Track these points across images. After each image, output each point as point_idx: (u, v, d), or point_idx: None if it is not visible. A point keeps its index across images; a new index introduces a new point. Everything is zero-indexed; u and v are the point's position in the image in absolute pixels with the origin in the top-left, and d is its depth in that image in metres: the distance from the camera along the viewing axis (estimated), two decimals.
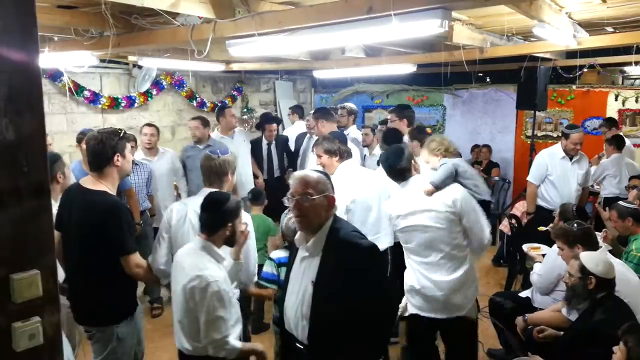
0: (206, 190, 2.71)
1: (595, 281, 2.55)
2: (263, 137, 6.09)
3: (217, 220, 2.31)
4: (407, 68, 5.97)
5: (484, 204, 3.11)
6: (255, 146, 5.98)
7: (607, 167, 5.67)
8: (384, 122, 5.66)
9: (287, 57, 5.88)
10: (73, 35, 3.95)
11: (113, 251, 2.49)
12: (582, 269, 2.59)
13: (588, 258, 2.64)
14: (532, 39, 4.91)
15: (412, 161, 2.95)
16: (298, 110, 6.91)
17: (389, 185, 3.22)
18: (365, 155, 5.34)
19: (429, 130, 4.58)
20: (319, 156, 3.50)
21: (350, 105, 5.97)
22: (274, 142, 6.08)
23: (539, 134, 7.33)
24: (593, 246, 3.03)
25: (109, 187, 2.55)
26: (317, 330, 2.05)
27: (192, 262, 2.27)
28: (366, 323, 2.00)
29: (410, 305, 3.00)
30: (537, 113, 6.10)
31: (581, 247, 2.99)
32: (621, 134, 6.25)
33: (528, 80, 5.72)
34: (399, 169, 2.89)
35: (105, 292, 2.52)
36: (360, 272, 2.00)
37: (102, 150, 2.52)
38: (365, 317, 1.99)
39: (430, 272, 2.87)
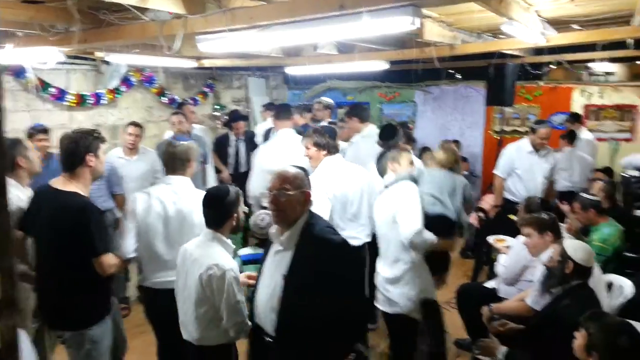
0: (170, 178, 2.76)
1: (573, 266, 2.63)
2: (231, 133, 6.10)
3: (222, 214, 2.39)
4: (379, 65, 6.01)
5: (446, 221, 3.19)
6: (224, 141, 6.03)
7: (559, 161, 5.84)
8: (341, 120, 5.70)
9: (259, 54, 5.85)
10: (38, 30, 3.85)
11: (85, 253, 2.44)
12: (563, 253, 2.68)
13: (570, 244, 2.73)
14: (501, 36, 5.01)
15: (395, 163, 3.09)
16: (271, 107, 6.89)
17: (376, 181, 3.28)
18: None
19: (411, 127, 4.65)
20: (307, 148, 3.54)
21: (326, 99, 5.99)
22: (242, 137, 6.11)
23: (507, 130, 7.50)
24: (559, 234, 3.12)
25: (80, 187, 2.50)
26: (285, 323, 2.09)
27: (205, 253, 2.32)
28: (336, 318, 2.02)
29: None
30: (505, 109, 6.24)
31: (550, 235, 3.09)
32: (581, 129, 6.43)
33: (497, 77, 5.83)
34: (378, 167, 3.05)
35: (77, 294, 2.49)
36: (330, 267, 2.03)
37: (75, 149, 2.49)
38: (335, 312, 2.01)
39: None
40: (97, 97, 6.35)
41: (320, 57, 6.06)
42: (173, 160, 2.79)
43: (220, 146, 6.09)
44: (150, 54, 5.13)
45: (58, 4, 3.39)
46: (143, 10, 3.22)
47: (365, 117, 4.60)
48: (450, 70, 7.64)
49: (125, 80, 6.65)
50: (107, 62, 6.11)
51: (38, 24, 3.75)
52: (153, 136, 6.88)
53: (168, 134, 5.36)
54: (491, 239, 4.15)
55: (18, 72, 5.50)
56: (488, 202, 5.61)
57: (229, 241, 2.42)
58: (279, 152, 4.36)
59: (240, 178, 5.70)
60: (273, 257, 2.22)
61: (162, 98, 7.26)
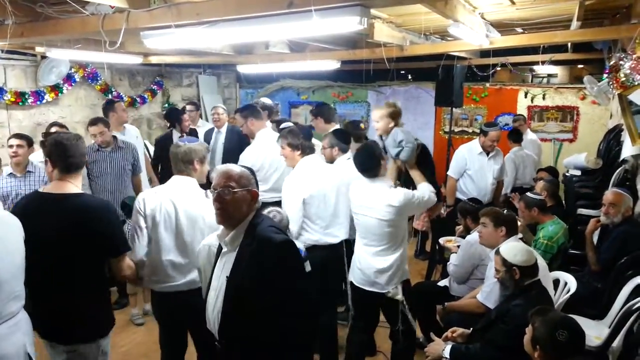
0: (177, 178, 2.76)
1: (519, 271, 2.67)
2: (175, 131, 5.80)
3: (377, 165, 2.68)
4: (331, 64, 6.03)
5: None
6: (166, 142, 5.51)
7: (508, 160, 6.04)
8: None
9: (209, 51, 5.74)
10: None
11: (103, 253, 2.39)
12: (504, 261, 2.71)
13: (506, 250, 2.76)
14: (448, 38, 5.12)
15: (382, 161, 3.17)
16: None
17: (351, 178, 3.35)
18: None
19: (362, 126, 4.64)
20: (282, 148, 3.54)
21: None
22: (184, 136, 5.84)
23: (456, 130, 7.70)
24: (514, 232, 3.21)
25: (79, 187, 2.43)
26: (228, 325, 2.05)
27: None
28: (281, 319, 1.99)
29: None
30: (454, 110, 6.38)
31: (504, 230, 3.17)
32: (526, 130, 6.67)
33: (445, 78, 5.95)
34: (370, 168, 3.12)
35: (90, 304, 2.40)
36: (272, 266, 1.99)
37: (76, 151, 2.42)
38: (279, 313, 1.98)
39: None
40: (38, 94, 6.05)
41: (272, 56, 6.02)
42: (176, 162, 2.79)
43: (163, 147, 5.27)
44: (93, 50, 4.92)
45: None
46: (83, 3, 3.09)
47: (331, 118, 4.60)
48: (401, 71, 7.77)
49: (68, 77, 6.36)
50: (45, 57, 5.81)
51: None
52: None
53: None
54: (442, 240, 4.23)
55: None
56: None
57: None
58: (264, 152, 4.41)
59: None
60: (220, 259, 2.18)
61: (107, 95, 6.99)
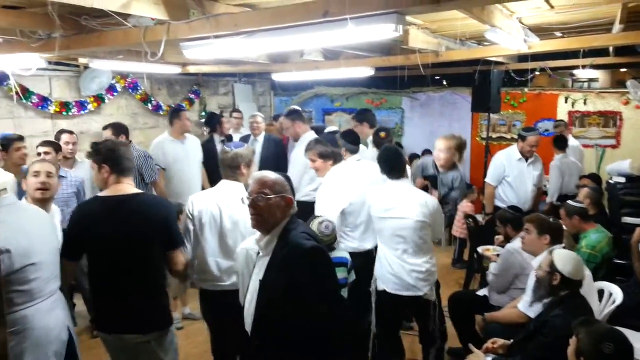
0: (224, 182, 2.89)
1: (560, 278, 2.62)
2: (215, 135, 5.96)
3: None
4: (365, 71, 6.03)
5: None
6: (209, 146, 5.78)
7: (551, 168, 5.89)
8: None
9: (245, 60, 5.83)
10: (19, 36, 3.79)
11: (164, 246, 2.54)
12: (551, 264, 2.66)
13: (560, 256, 2.70)
14: (485, 43, 5.05)
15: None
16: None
17: (375, 181, 3.37)
18: None
19: (382, 134, 4.64)
20: (312, 160, 3.55)
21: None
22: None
23: (493, 136, 7.55)
24: (558, 240, 3.14)
25: (134, 187, 2.59)
26: (262, 328, 2.09)
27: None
28: (312, 324, 2.00)
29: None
30: (491, 115, 6.28)
31: (548, 238, 3.11)
32: (569, 135, 6.49)
33: (482, 84, 5.87)
34: (398, 167, 3.18)
35: (158, 294, 2.58)
36: (301, 272, 2.01)
37: (131, 156, 2.66)
38: (309, 319, 2.00)
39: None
40: (81, 104, 6.28)
41: (306, 64, 6.06)
42: (224, 167, 2.92)
43: (207, 153, 5.65)
44: (134, 60, 5.08)
45: (39, 10, 3.34)
46: (125, 16, 3.19)
47: (375, 123, 4.71)
48: (436, 77, 7.69)
49: (110, 87, 6.58)
50: (87, 67, 6.02)
51: (19, 29, 3.69)
52: (138, 143, 6.80)
53: (164, 137, 5.25)
54: (480, 249, 4.16)
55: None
56: (464, 209, 5.70)
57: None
58: None
59: None
60: (257, 263, 2.24)
61: (147, 104, 7.20)
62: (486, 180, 5.04)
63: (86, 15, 3.43)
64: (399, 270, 3.14)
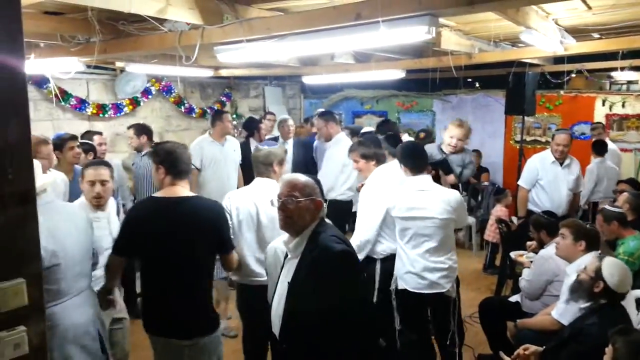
0: (258, 180, 2.96)
1: (603, 287, 2.54)
2: (252, 140, 6.03)
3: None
4: (396, 74, 5.99)
5: None
6: (245, 150, 5.79)
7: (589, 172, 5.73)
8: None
9: (276, 63, 5.88)
10: (59, 41, 3.92)
11: (218, 250, 2.60)
12: (598, 271, 2.58)
13: (609, 265, 2.61)
14: (519, 45, 4.96)
15: None
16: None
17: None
18: None
19: (422, 135, 4.63)
20: (356, 161, 3.56)
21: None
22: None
23: (528, 139, 7.40)
24: (594, 247, 3.06)
25: (189, 190, 2.62)
26: (288, 330, 2.10)
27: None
28: (339, 327, 1.99)
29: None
30: (526, 118, 6.16)
31: (584, 244, 3.05)
32: (607, 139, 6.31)
33: (516, 86, 5.76)
34: (422, 161, 3.23)
35: (208, 297, 2.60)
36: (331, 275, 2.01)
37: (189, 159, 2.65)
38: (336, 322, 1.99)
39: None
40: (117, 107, 6.45)
41: (337, 66, 6.07)
42: (257, 165, 2.98)
43: (245, 157, 5.59)
44: (168, 64, 5.18)
45: (78, 15, 3.46)
46: (161, 21, 3.27)
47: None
48: (468, 79, 7.58)
49: (145, 90, 6.74)
50: (122, 71, 6.19)
51: (59, 34, 3.82)
52: None
53: (203, 138, 5.37)
54: (513, 254, 4.08)
55: (40, 82, 5.61)
56: (499, 213, 5.59)
57: None
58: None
59: None
60: (285, 264, 2.25)
61: (180, 107, 7.34)
62: (519, 182, 4.95)
63: (123, 21, 3.52)
64: (421, 268, 3.11)
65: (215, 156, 5.14)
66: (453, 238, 3.23)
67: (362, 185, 4.76)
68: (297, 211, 2.12)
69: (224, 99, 8.07)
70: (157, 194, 2.58)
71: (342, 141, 4.91)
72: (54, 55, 4.19)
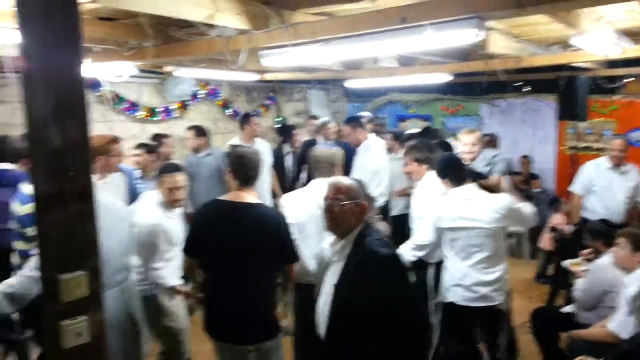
0: (317, 181, 2.95)
1: None
2: (285, 145, 6.13)
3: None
4: (442, 77, 5.92)
5: None
6: (277, 154, 5.98)
7: None
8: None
9: (320, 67, 5.92)
10: (113, 46, 4.09)
11: (283, 259, 2.59)
12: None
13: None
14: (571, 48, 4.80)
15: None
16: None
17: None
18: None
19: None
20: (408, 164, 3.61)
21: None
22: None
23: (581, 146, 7.13)
24: None
25: (255, 198, 2.62)
26: (334, 331, 2.11)
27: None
28: (385, 332, 1.99)
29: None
30: (579, 124, 5.96)
31: None
32: None
33: (567, 90, 5.59)
34: (461, 173, 3.17)
35: (273, 302, 2.61)
36: (376, 280, 2.02)
37: (257, 165, 2.62)
38: (382, 326, 1.99)
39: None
40: (167, 110, 6.67)
41: (381, 70, 6.05)
42: (320, 165, 3.00)
43: (275, 159, 5.88)
44: (215, 68, 5.32)
45: (131, 21, 3.59)
46: (210, 26, 3.35)
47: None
48: (517, 83, 7.39)
49: (193, 94, 6.94)
50: (169, 75, 6.38)
51: (113, 39, 3.99)
52: (218, 147, 7.10)
53: (234, 141, 5.50)
54: (567, 262, 3.94)
55: (94, 86, 5.86)
56: (557, 221, 5.39)
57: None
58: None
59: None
60: (331, 266, 2.27)
61: (226, 110, 7.50)
62: (570, 188, 4.79)
63: (173, 26, 3.64)
64: (472, 281, 3.04)
65: None
66: (504, 247, 3.13)
67: (403, 190, 4.81)
68: (341, 214, 2.15)
69: (268, 102, 8.18)
70: (223, 197, 2.61)
71: (372, 147, 4.87)
72: (108, 60, 4.36)
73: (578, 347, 3.05)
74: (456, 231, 3.07)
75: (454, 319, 3.18)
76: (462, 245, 3.07)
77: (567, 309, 3.62)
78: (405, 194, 5.53)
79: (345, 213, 2.15)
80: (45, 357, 1.75)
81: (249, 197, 2.56)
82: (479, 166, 4.16)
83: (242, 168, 2.57)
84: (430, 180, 3.44)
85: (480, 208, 3.02)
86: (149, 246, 2.88)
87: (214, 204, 2.64)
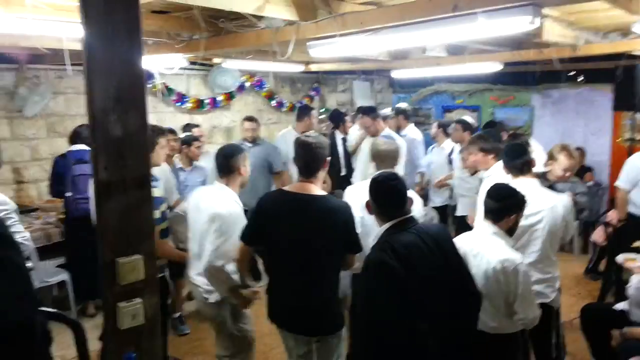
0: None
1: None
2: (338, 133, 6.11)
3: (504, 209, 2.51)
4: (492, 66, 5.76)
5: None
6: (330, 142, 5.97)
7: None
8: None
9: (366, 58, 5.87)
10: (165, 38, 4.20)
11: (346, 249, 2.54)
12: None
13: None
14: (631, 36, 4.57)
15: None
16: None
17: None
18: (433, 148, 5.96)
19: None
20: (472, 154, 3.62)
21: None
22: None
23: (638, 137, 6.79)
24: None
25: (320, 188, 2.58)
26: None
27: (491, 247, 2.45)
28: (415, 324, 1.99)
29: None
30: (636, 115, 5.67)
31: None
32: None
33: (625, 80, 5.34)
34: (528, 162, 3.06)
35: (334, 295, 2.55)
36: (363, 279, 2.10)
37: (320, 154, 2.56)
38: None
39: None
40: (214, 101, 6.80)
41: (428, 60, 5.94)
42: (385, 157, 3.06)
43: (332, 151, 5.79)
44: (261, 60, 5.36)
45: (183, 14, 3.67)
46: (259, 18, 3.38)
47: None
48: (571, 73, 7.10)
49: (240, 86, 7.04)
50: (210, 66, 6.50)
51: (165, 32, 4.09)
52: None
53: (288, 131, 5.54)
54: (621, 257, 3.78)
55: (146, 78, 6.04)
56: (613, 216, 5.17)
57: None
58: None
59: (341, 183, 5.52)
60: None
61: (271, 101, 7.57)
62: (616, 183, 4.56)
63: (223, 18, 3.69)
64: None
65: None
66: (557, 245, 3.04)
67: (439, 182, 4.85)
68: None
69: (312, 93, 8.20)
70: (286, 188, 2.61)
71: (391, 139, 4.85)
72: (160, 52, 4.48)
73: (631, 346, 2.94)
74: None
75: None
76: (520, 245, 2.94)
77: (620, 306, 3.48)
78: (445, 184, 5.47)
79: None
80: (104, 337, 1.84)
81: (314, 188, 2.51)
82: None
83: (303, 159, 2.54)
84: (498, 171, 3.37)
85: (541, 205, 2.90)
86: (231, 239, 2.73)
87: (277, 193, 2.64)
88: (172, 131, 4.62)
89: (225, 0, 2.77)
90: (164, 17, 3.75)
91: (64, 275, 4.38)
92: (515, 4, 2.39)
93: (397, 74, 7.02)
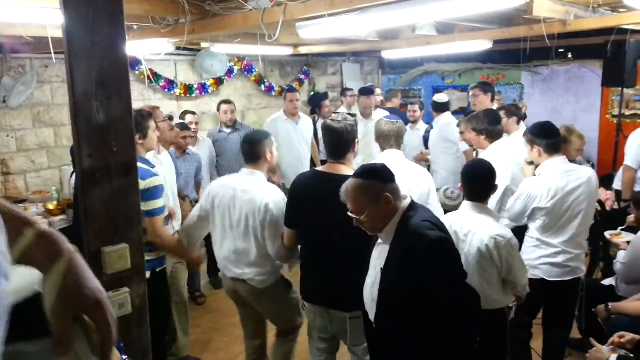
0: (388, 152, 3.03)
1: None
2: (317, 117, 6.10)
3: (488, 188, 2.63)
4: (481, 45, 5.71)
5: None
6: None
7: None
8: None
9: (356, 38, 5.80)
10: (151, 23, 4.10)
11: None
12: None
13: None
14: (621, 10, 4.53)
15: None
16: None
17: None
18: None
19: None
20: (464, 133, 3.69)
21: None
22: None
23: (627, 113, 6.80)
24: None
25: (351, 168, 2.59)
26: (383, 314, 2.08)
27: (481, 225, 2.52)
28: (436, 314, 1.95)
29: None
30: (626, 90, 5.67)
31: None
32: None
33: (615, 55, 5.30)
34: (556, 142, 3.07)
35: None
36: (425, 264, 1.94)
37: (348, 138, 2.57)
38: (433, 309, 1.94)
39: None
40: (202, 86, 6.70)
41: (418, 39, 5.88)
42: (389, 137, 3.06)
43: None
44: (250, 43, 5.27)
45: None
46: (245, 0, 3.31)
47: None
48: (561, 49, 7.07)
49: (228, 70, 6.94)
50: (198, 51, 6.40)
51: (150, 16, 3.99)
52: (252, 123, 7.13)
53: (278, 116, 5.49)
54: (608, 234, 3.80)
55: (132, 64, 5.92)
56: (607, 197, 5.19)
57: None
58: None
59: None
60: (376, 249, 2.23)
61: (260, 86, 7.49)
62: (626, 163, 4.55)
63: (210, 1, 3.61)
64: (566, 257, 3.00)
65: (289, 134, 5.21)
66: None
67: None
68: (369, 221, 2.05)
69: (302, 76, 8.12)
70: (319, 168, 2.68)
71: (379, 118, 4.84)
72: (146, 37, 4.38)
73: (618, 321, 2.94)
74: (558, 209, 2.95)
75: (540, 295, 3.07)
76: (562, 223, 2.97)
77: (607, 282, 3.51)
78: (423, 159, 5.45)
79: (372, 220, 2.04)
80: None
81: (346, 169, 2.53)
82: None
83: (331, 140, 2.58)
84: (494, 152, 3.40)
85: (581, 180, 2.93)
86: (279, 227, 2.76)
87: (311, 174, 2.69)
88: (170, 118, 4.55)
89: None
90: (148, 1, 3.66)
91: None
92: None
93: (387, 54, 6.95)
